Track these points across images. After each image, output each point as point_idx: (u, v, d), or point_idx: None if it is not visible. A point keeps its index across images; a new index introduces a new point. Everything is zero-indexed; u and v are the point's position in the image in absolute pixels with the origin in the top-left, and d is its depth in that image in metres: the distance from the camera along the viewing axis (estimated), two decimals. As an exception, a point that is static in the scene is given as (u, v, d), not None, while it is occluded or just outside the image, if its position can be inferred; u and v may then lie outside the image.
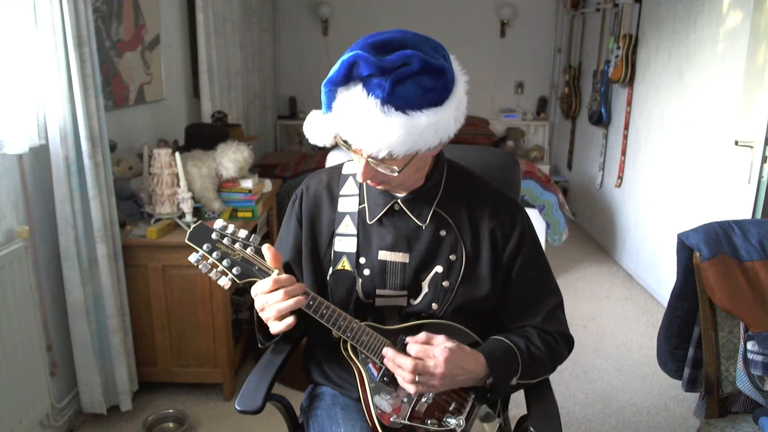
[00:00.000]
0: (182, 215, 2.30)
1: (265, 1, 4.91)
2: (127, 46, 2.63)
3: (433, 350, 1.08)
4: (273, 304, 1.06)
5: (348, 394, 1.26)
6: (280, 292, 1.05)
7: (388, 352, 1.10)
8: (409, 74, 0.97)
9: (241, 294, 2.78)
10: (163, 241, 2.21)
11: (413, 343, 1.10)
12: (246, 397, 1.18)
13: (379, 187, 1.17)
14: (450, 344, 1.09)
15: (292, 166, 4.09)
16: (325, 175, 1.30)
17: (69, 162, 1.95)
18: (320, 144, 1.10)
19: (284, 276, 1.07)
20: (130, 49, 2.66)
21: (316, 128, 1.10)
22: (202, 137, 2.69)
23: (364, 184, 1.23)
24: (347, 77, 0.99)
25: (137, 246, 2.22)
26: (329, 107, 1.03)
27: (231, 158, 2.44)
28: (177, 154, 2.26)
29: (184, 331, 2.32)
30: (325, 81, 1.02)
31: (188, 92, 3.51)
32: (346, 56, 0.99)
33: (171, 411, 2.26)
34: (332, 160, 1.52)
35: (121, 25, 2.56)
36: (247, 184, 2.51)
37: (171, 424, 2.23)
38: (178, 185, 2.27)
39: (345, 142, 1.05)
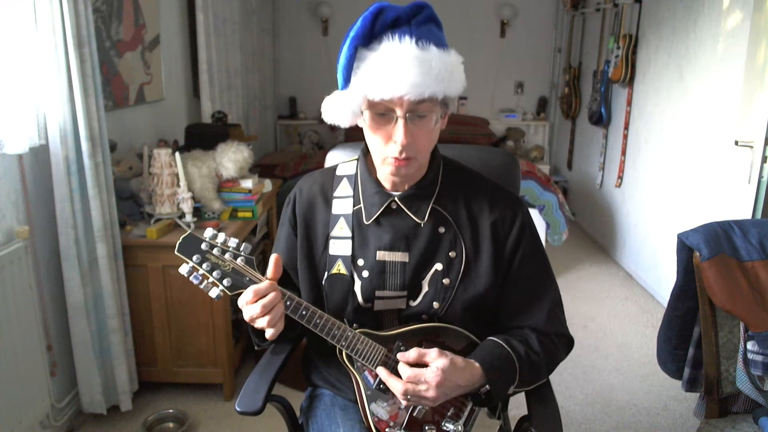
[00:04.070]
0: (182, 215, 2.30)
1: (265, 1, 4.90)
2: (127, 46, 2.62)
3: (425, 375, 1.05)
4: (256, 317, 1.04)
5: (346, 397, 1.26)
6: (258, 306, 1.03)
7: (382, 373, 1.09)
8: (426, 18, 1.05)
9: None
10: (163, 241, 2.21)
11: (404, 364, 1.08)
12: (246, 398, 1.17)
13: (401, 166, 1.08)
14: (443, 363, 1.06)
15: (292, 166, 4.09)
16: (318, 176, 1.27)
17: (69, 162, 1.95)
18: (344, 124, 1.09)
19: (262, 285, 1.04)
20: (130, 49, 2.66)
21: (337, 106, 1.08)
22: (202, 137, 2.69)
23: (359, 184, 1.20)
24: (371, 33, 1.02)
25: (137, 246, 2.22)
26: (351, 73, 1.04)
27: (231, 158, 2.44)
28: (177, 154, 2.26)
29: (184, 331, 2.32)
30: (349, 41, 1.03)
31: (188, 92, 3.51)
32: (365, 13, 1.02)
33: (171, 411, 2.25)
34: (332, 159, 1.50)
35: (121, 25, 2.56)
36: (247, 184, 2.52)
37: (171, 424, 2.23)
38: (178, 185, 2.27)
39: (373, 109, 1.04)
